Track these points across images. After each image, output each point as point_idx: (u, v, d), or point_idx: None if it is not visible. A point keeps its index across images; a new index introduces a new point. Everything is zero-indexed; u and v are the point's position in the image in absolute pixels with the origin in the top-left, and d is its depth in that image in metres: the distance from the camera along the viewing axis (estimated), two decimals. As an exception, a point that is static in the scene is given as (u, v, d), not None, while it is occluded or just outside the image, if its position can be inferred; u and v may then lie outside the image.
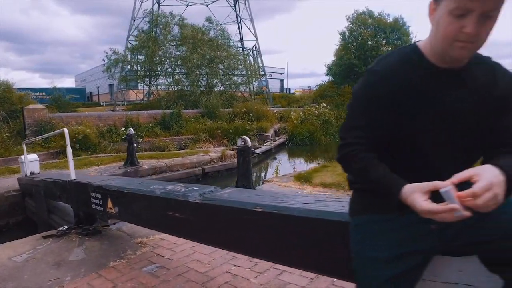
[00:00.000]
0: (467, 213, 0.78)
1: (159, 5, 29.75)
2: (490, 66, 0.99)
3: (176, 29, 20.17)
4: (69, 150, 3.44)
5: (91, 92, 42.18)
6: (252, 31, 32.72)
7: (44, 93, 29.45)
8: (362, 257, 1.00)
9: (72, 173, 3.38)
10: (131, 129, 7.29)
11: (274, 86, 51.52)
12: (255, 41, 32.45)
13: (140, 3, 28.81)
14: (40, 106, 11.78)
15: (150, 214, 2.34)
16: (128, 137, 7.12)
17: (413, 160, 0.98)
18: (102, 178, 3.19)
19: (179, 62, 20.47)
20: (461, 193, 0.79)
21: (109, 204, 2.73)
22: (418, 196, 0.83)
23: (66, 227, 3.35)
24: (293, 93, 44.38)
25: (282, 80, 58.00)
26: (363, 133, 0.99)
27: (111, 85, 32.08)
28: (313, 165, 9.80)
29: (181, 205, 1.99)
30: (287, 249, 1.49)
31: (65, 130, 3.49)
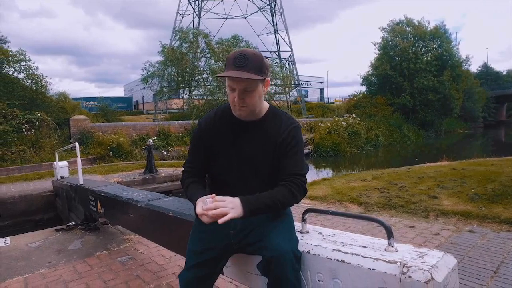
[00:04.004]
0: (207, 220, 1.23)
1: (199, 19, 31.61)
2: (280, 119, 1.43)
3: (203, 43, 21.53)
4: (78, 161, 4.21)
5: (137, 101, 45.33)
6: (287, 42, 33.35)
7: (96, 102, 32.42)
8: (187, 248, 1.48)
9: (80, 179, 4.13)
10: (151, 141, 8.15)
11: (313, 96, 51.45)
12: (290, 52, 33.02)
13: (181, 17, 30.89)
14: (83, 116, 13.33)
15: (120, 214, 2.95)
16: (147, 148, 7.98)
17: (222, 184, 1.45)
18: (99, 184, 3.89)
19: (209, 74, 21.70)
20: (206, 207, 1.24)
21: (99, 206, 3.40)
22: (198, 206, 1.30)
23: (74, 223, 4.11)
24: (332, 103, 44.08)
25: (322, 90, 57.81)
26: (191, 164, 1.49)
27: (155, 94, 34.55)
28: (328, 176, 10.03)
29: (134, 207, 2.58)
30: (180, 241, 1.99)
31: (76, 144, 4.28)
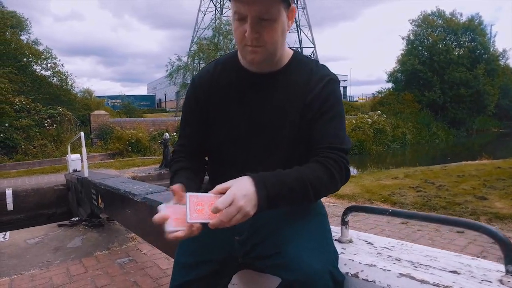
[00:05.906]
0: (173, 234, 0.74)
1: (221, 15, 31.48)
2: (309, 70, 0.95)
3: None
4: (83, 151, 3.90)
5: (160, 99, 45.91)
6: (310, 38, 32.62)
7: (120, 100, 32.98)
8: (175, 259, 1.03)
9: (85, 172, 3.82)
10: (167, 134, 7.84)
11: (336, 94, 50.23)
12: (313, 48, 32.29)
13: (203, 15, 30.88)
14: (103, 112, 13.31)
15: (119, 209, 2.57)
16: (164, 142, 7.67)
17: (223, 165, 1.01)
18: (102, 177, 3.54)
19: None
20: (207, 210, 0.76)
21: (99, 200, 3.05)
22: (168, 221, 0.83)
23: (77, 218, 3.80)
24: (356, 101, 42.83)
25: (345, 88, 56.43)
26: (184, 141, 1.04)
27: (177, 92, 34.76)
28: (354, 174, 9.40)
29: (130, 202, 2.18)
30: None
31: (81, 133, 3.98)
